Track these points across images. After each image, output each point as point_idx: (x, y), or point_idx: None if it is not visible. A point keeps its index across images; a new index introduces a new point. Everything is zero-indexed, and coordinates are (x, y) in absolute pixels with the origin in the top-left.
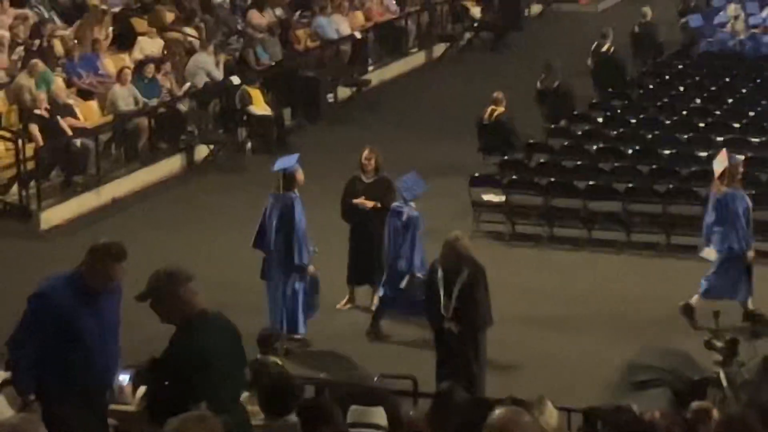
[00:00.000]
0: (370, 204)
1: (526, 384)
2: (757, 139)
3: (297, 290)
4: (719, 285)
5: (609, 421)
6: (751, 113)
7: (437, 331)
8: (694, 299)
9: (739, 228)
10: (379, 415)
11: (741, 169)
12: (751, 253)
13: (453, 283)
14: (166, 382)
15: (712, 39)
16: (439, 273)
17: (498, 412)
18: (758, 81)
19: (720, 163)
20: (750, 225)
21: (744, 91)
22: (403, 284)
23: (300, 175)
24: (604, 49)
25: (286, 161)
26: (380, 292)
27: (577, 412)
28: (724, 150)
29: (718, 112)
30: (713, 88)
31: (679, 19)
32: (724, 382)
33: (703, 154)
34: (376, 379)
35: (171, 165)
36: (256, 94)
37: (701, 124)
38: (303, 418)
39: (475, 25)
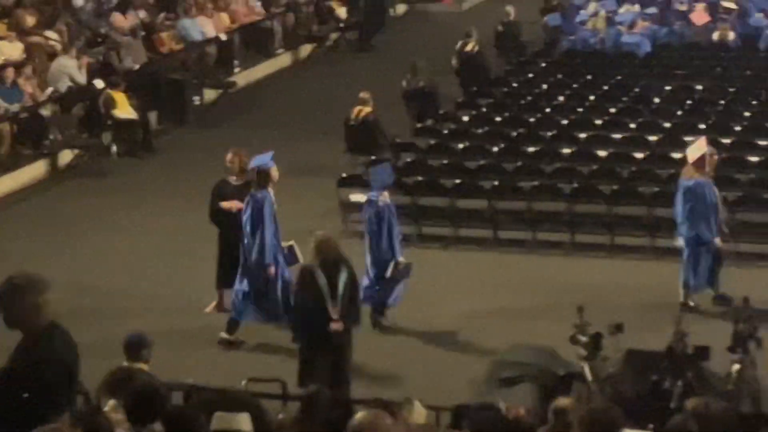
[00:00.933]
0: (237, 206)
1: (395, 385)
2: (618, 135)
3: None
4: (697, 279)
5: (474, 418)
6: (613, 110)
7: (315, 334)
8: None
9: (710, 217)
10: (243, 421)
11: (715, 158)
12: (718, 241)
13: (336, 284)
14: (26, 395)
15: (574, 37)
16: (321, 276)
17: (359, 415)
18: (619, 78)
19: (697, 150)
20: (718, 214)
21: (606, 87)
22: (388, 273)
23: (274, 172)
24: (469, 48)
25: (261, 159)
26: (365, 282)
27: (446, 410)
28: (703, 137)
29: (580, 110)
30: (575, 86)
31: (541, 17)
32: (589, 377)
33: (567, 151)
34: (243, 383)
35: (34, 171)
36: (120, 97)
37: (564, 122)
38: (167, 427)
39: (341, 25)
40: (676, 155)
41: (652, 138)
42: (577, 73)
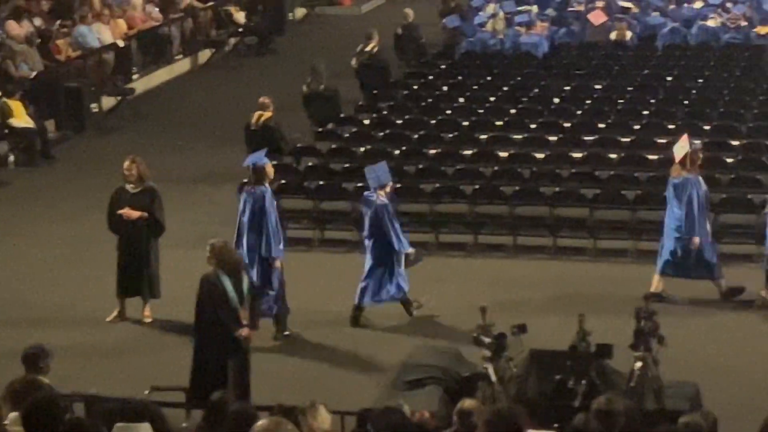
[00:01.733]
0: (135, 214)
1: (299, 390)
2: (519, 136)
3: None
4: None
5: (379, 422)
6: (513, 110)
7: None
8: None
9: (689, 213)
10: (144, 431)
11: (700, 155)
12: (696, 240)
13: (241, 290)
14: None
15: (473, 39)
16: (227, 282)
17: (260, 422)
18: (519, 78)
19: (681, 149)
20: (705, 210)
21: (506, 88)
22: (401, 266)
23: (270, 168)
24: (368, 50)
25: (256, 156)
26: (362, 284)
27: (351, 414)
28: (686, 135)
29: (481, 111)
30: (475, 87)
31: (440, 19)
32: (493, 378)
33: (468, 152)
34: (147, 392)
35: None
36: (17, 106)
37: (465, 123)
38: None
39: (240, 30)
40: (576, 154)
41: (553, 138)
42: (476, 74)
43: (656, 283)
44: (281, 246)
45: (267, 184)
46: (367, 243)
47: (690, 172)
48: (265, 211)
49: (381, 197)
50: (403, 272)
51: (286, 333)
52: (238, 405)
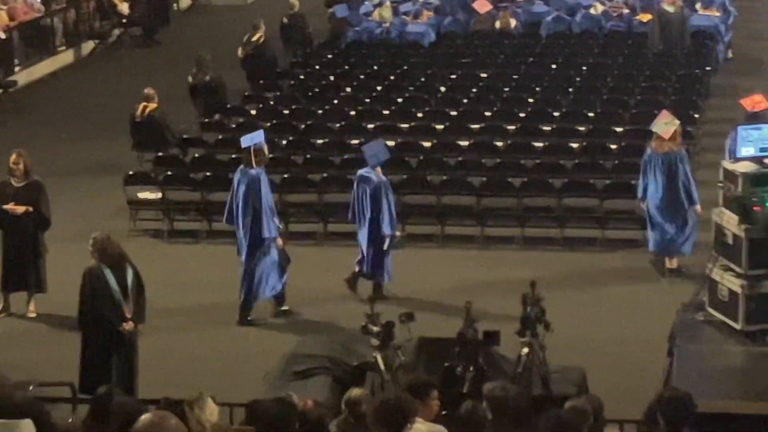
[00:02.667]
0: (21, 209)
1: (188, 383)
2: (405, 125)
3: (269, 263)
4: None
5: (266, 413)
6: (400, 99)
7: (107, 335)
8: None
9: (685, 183)
10: (26, 428)
11: (680, 130)
12: (698, 208)
13: (125, 284)
14: None
15: (359, 28)
16: (110, 275)
17: (144, 416)
18: (405, 68)
19: (668, 125)
20: (690, 183)
21: (392, 78)
22: (385, 245)
23: (266, 151)
24: (254, 40)
25: (255, 137)
26: (359, 256)
27: (240, 406)
28: (665, 111)
29: (367, 100)
30: (362, 77)
31: (326, 9)
32: (382, 366)
33: (355, 142)
34: (32, 387)
35: None
36: None
37: (352, 113)
38: None
39: (124, 21)
40: (463, 143)
41: (439, 126)
42: (363, 63)
43: (670, 262)
44: (279, 225)
45: (263, 166)
46: (365, 219)
47: (675, 146)
48: (261, 194)
49: (380, 175)
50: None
51: (284, 308)
52: (122, 399)
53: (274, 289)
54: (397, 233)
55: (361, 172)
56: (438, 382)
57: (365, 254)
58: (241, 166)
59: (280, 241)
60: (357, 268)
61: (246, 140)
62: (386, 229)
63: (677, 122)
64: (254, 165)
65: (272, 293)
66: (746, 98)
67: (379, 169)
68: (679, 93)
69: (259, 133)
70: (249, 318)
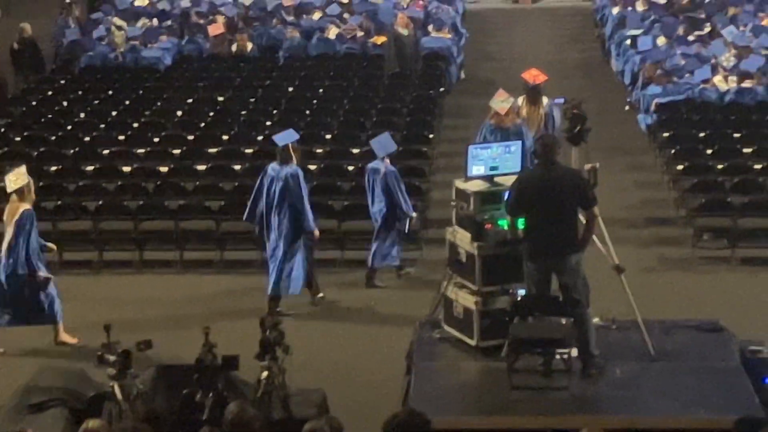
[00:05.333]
0: None
1: None
2: (142, 150)
3: (304, 253)
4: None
5: None
6: (136, 125)
7: None
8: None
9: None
10: None
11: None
12: None
13: None
14: None
15: (93, 53)
16: None
17: None
18: (141, 92)
19: (504, 102)
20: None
21: (127, 102)
22: (407, 228)
23: (298, 149)
24: None
25: (288, 136)
26: (374, 246)
27: None
28: (501, 89)
29: (103, 126)
30: (96, 102)
31: (58, 33)
32: (119, 396)
33: (90, 168)
34: None
35: None
36: None
37: (87, 139)
38: None
39: None
40: (200, 167)
41: (176, 151)
42: (97, 89)
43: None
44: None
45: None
46: (377, 209)
47: (510, 121)
48: (301, 188)
49: (388, 165)
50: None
51: (320, 295)
52: None
53: (301, 281)
54: (414, 214)
55: (370, 165)
56: (177, 409)
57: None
58: (274, 164)
59: (317, 232)
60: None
61: (281, 138)
62: (407, 210)
63: (512, 99)
64: (294, 161)
65: (303, 286)
66: (526, 72)
67: (387, 159)
68: (414, 114)
69: (291, 131)
70: (278, 309)
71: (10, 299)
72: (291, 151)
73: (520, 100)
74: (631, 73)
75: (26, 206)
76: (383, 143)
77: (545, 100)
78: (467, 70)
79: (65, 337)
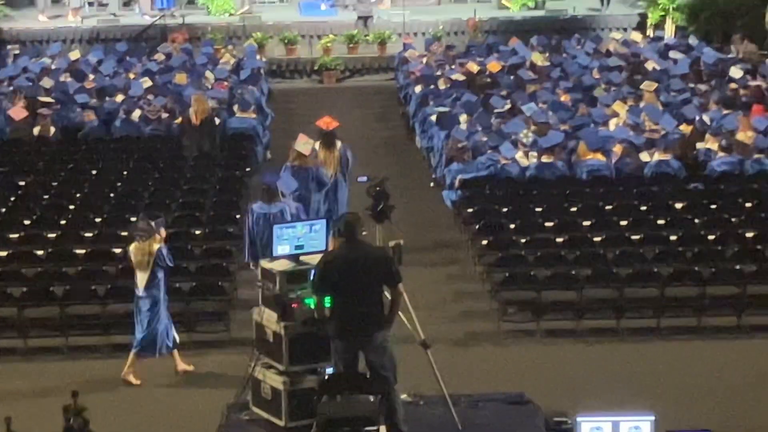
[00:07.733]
0: None
1: None
2: None
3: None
4: None
5: None
6: None
7: None
8: None
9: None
10: None
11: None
12: None
13: None
14: None
15: None
16: None
17: None
18: None
19: (306, 144)
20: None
21: None
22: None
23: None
24: None
25: (271, 176)
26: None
27: None
28: (302, 134)
29: None
30: None
31: None
32: None
33: None
34: None
35: None
36: None
37: None
38: None
39: None
40: (1, 253)
41: None
42: None
43: None
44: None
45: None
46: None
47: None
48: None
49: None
50: None
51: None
52: None
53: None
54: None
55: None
56: None
57: None
58: (259, 203)
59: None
60: None
61: (279, 184)
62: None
63: (312, 141)
64: (273, 201)
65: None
66: (320, 120)
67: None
68: (221, 194)
69: (273, 171)
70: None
71: None
72: (273, 191)
73: (317, 145)
74: (437, 149)
75: None
76: (285, 181)
77: (338, 143)
78: (273, 149)
79: None
